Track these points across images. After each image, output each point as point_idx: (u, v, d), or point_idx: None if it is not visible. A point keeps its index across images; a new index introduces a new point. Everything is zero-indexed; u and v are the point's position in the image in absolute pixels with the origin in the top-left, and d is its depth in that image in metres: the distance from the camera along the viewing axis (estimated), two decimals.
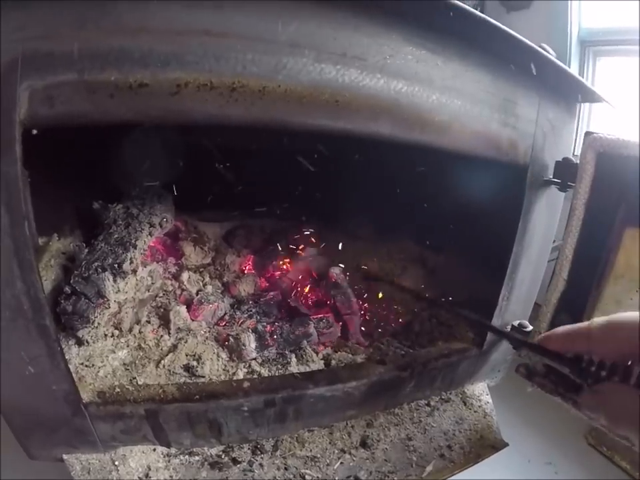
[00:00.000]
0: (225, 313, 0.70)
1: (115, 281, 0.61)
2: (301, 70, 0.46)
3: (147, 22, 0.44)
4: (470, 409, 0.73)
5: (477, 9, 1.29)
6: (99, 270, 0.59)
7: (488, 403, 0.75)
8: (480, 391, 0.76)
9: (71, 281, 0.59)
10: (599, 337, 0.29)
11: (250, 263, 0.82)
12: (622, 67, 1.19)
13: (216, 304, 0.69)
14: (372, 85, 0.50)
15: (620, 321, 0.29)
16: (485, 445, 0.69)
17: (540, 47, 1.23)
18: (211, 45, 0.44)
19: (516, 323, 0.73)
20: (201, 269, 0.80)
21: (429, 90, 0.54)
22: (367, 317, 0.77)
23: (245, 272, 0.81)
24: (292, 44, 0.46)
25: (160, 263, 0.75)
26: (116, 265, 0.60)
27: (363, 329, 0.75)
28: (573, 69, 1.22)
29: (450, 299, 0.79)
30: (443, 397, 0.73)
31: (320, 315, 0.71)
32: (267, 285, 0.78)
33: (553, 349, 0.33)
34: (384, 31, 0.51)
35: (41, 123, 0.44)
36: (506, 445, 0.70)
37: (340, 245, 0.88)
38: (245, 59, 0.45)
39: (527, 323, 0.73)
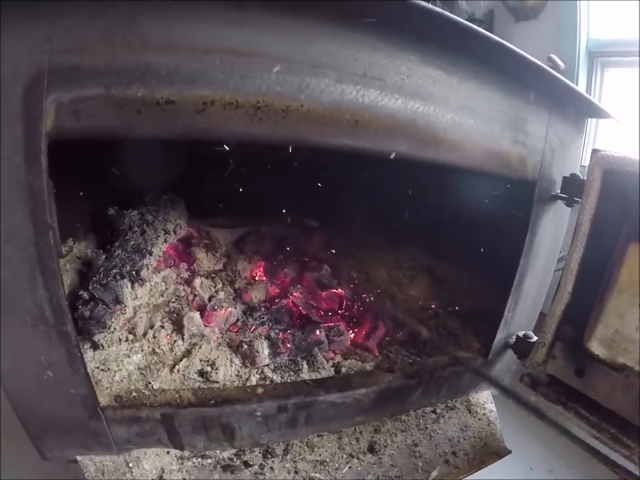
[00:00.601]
0: (238, 319, 0.72)
1: (132, 287, 0.62)
2: (323, 90, 0.48)
3: (173, 39, 0.45)
4: (474, 417, 0.75)
5: (487, 19, 1.31)
6: (117, 277, 0.61)
7: (492, 411, 0.77)
8: (484, 399, 0.78)
9: (89, 287, 0.60)
10: None
11: (261, 269, 0.84)
12: (630, 78, 1.20)
13: (229, 310, 0.71)
14: (390, 105, 0.51)
15: None
16: (488, 451, 0.71)
17: (548, 57, 1.25)
18: (236, 64, 0.45)
19: (521, 334, 0.75)
20: (212, 275, 0.81)
21: (444, 109, 0.56)
22: (375, 324, 0.78)
23: (256, 278, 0.82)
24: (314, 64, 0.47)
25: (173, 269, 0.77)
26: (134, 272, 0.62)
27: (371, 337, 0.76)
28: (581, 80, 1.23)
29: (456, 308, 0.81)
30: (448, 405, 0.75)
31: (331, 323, 0.72)
32: (278, 291, 0.80)
33: None
34: (402, 52, 0.52)
35: (67, 136, 0.45)
36: (509, 452, 0.72)
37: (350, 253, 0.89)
38: (269, 78, 0.46)
39: (531, 333, 0.75)
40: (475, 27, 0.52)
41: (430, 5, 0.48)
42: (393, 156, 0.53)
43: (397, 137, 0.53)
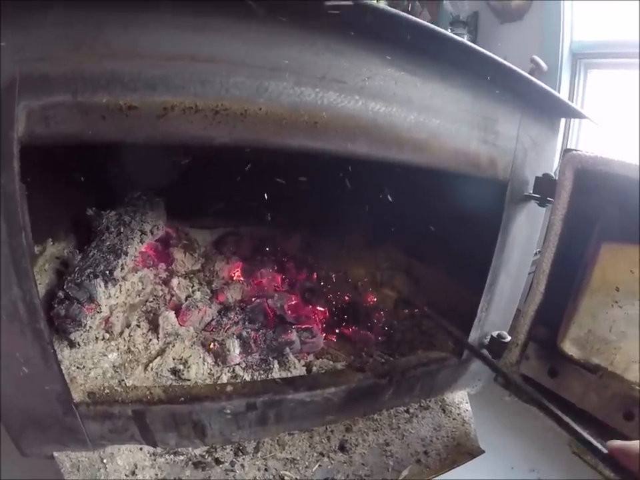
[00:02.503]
0: (212, 319, 0.73)
1: (106, 287, 0.64)
2: (281, 93, 0.49)
3: (137, 47, 0.46)
4: (449, 417, 0.75)
5: (472, 21, 1.32)
6: (91, 276, 0.62)
7: (467, 410, 0.77)
8: (460, 399, 0.78)
9: (64, 287, 0.62)
10: None
11: (238, 270, 0.85)
12: (613, 79, 1.20)
13: (203, 310, 0.72)
14: (350, 106, 0.52)
15: None
16: (461, 451, 0.70)
17: (531, 59, 1.25)
18: (196, 70, 0.47)
19: (495, 334, 0.75)
20: (190, 275, 0.82)
21: (407, 110, 0.57)
22: (349, 324, 0.79)
23: (233, 279, 0.83)
24: (273, 68, 0.49)
25: (151, 269, 0.78)
26: (107, 272, 0.63)
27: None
28: (564, 81, 1.23)
29: (431, 308, 0.81)
30: (422, 405, 0.75)
31: (304, 326, 0.73)
32: (255, 291, 0.81)
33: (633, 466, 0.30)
34: (363, 54, 0.53)
35: (38, 141, 0.47)
36: (482, 452, 0.72)
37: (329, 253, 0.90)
38: (228, 82, 0.47)
39: (505, 333, 0.75)
40: (437, 28, 0.53)
41: (387, 7, 0.49)
42: (354, 156, 0.54)
43: (357, 138, 0.53)
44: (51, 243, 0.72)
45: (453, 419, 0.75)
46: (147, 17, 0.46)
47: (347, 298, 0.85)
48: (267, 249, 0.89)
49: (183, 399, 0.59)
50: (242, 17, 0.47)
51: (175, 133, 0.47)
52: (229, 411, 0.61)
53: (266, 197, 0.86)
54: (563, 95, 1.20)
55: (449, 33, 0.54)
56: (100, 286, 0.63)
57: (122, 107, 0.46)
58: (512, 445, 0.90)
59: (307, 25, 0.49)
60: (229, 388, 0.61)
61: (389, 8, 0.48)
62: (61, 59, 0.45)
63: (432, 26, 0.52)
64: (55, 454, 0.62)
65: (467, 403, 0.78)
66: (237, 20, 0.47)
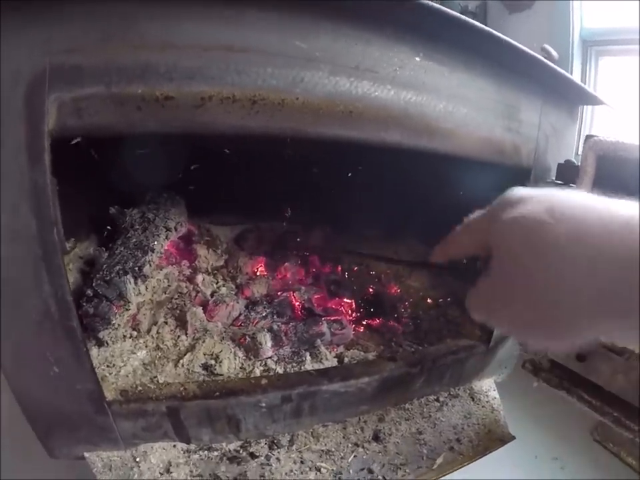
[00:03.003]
0: (240, 314, 0.72)
1: (136, 283, 0.63)
2: (317, 83, 0.49)
3: (171, 37, 0.46)
4: (478, 404, 0.76)
5: (480, 11, 1.32)
6: (121, 273, 0.62)
7: (495, 398, 0.78)
8: (487, 386, 0.79)
9: (93, 284, 0.61)
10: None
11: (262, 264, 0.84)
12: (624, 66, 1.21)
13: (231, 304, 0.72)
14: (383, 95, 0.52)
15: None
16: (492, 438, 0.71)
17: (542, 47, 1.26)
18: (233, 60, 0.46)
19: None
20: (214, 271, 0.82)
21: (436, 99, 0.57)
22: (375, 315, 0.79)
23: (258, 274, 0.83)
24: (309, 58, 0.49)
25: (175, 266, 0.77)
26: (137, 268, 0.63)
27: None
28: (576, 69, 1.24)
29: (455, 299, 0.81)
30: (451, 393, 0.75)
31: (334, 317, 0.73)
32: (280, 286, 0.81)
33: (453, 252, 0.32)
34: (394, 44, 0.53)
35: (70, 134, 0.47)
36: (513, 438, 0.73)
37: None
38: (265, 72, 0.47)
39: None
40: (465, 18, 0.53)
41: None
42: (386, 145, 0.54)
43: (389, 127, 0.54)
44: (74, 242, 0.71)
45: (482, 407, 0.75)
46: (181, 7, 0.46)
47: (371, 290, 0.85)
48: (289, 243, 0.89)
49: (218, 393, 0.59)
50: (276, 6, 0.47)
51: (213, 122, 0.47)
52: (264, 405, 0.60)
53: (285, 192, 0.86)
54: None
55: (474, 21, 0.55)
56: (130, 282, 0.62)
57: (158, 98, 0.46)
58: (535, 434, 0.91)
59: (339, 15, 0.49)
60: (264, 381, 0.61)
61: None
62: (92, 50, 0.45)
63: (458, 14, 0.52)
64: (86, 454, 0.61)
65: (494, 390, 0.79)
66: (272, 10, 0.47)
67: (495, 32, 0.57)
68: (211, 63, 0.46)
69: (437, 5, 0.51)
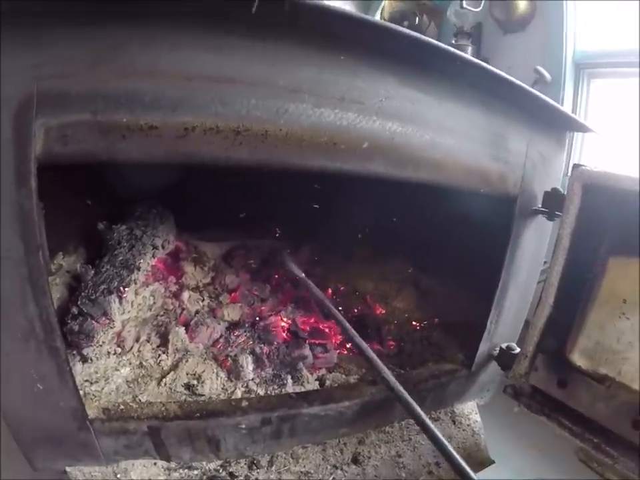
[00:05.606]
0: (221, 336, 0.72)
1: (120, 303, 0.64)
2: (301, 114, 0.49)
3: (158, 66, 0.46)
4: (459, 428, 0.76)
5: (475, 32, 1.33)
6: (105, 292, 0.62)
7: (477, 421, 0.78)
8: (469, 410, 0.79)
9: (78, 302, 0.62)
10: None
11: (247, 284, 0.84)
12: (616, 88, 1.22)
13: (212, 327, 0.72)
14: (368, 126, 0.53)
15: None
16: (472, 462, 0.71)
17: (535, 69, 1.26)
18: (217, 90, 0.47)
19: (504, 346, 0.76)
20: (201, 289, 0.82)
21: (423, 130, 0.57)
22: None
23: (242, 293, 0.83)
24: (294, 89, 0.49)
25: (161, 282, 0.78)
26: (121, 288, 0.63)
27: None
28: (568, 91, 1.25)
29: (439, 320, 0.82)
30: (432, 416, 0.76)
31: (319, 341, 0.73)
32: (265, 306, 0.80)
33: None
34: (381, 75, 0.54)
35: (56, 160, 0.47)
36: (492, 462, 0.73)
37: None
38: (249, 103, 0.48)
39: (514, 345, 0.76)
40: (453, 50, 0.54)
41: (406, 30, 0.50)
42: (371, 176, 0.54)
43: (374, 158, 0.54)
44: (62, 257, 0.72)
45: (463, 430, 0.76)
46: (167, 37, 0.46)
47: (356, 311, 0.85)
48: (276, 261, 0.89)
49: (198, 414, 0.60)
50: (262, 38, 0.47)
51: (196, 153, 0.47)
52: (244, 426, 0.61)
53: (273, 209, 0.86)
54: (567, 104, 1.22)
55: (464, 54, 0.55)
56: (114, 302, 0.62)
57: (142, 127, 0.46)
58: (520, 454, 0.91)
59: (325, 46, 0.50)
60: (244, 403, 0.62)
61: (408, 30, 0.48)
62: (80, 76, 0.45)
63: (446, 47, 0.53)
64: (68, 469, 0.62)
65: (476, 413, 0.79)
66: (257, 41, 0.47)
67: (483, 63, 0.57)
68: (196, 92, 0.47)
69: (425, 38, 0.52)
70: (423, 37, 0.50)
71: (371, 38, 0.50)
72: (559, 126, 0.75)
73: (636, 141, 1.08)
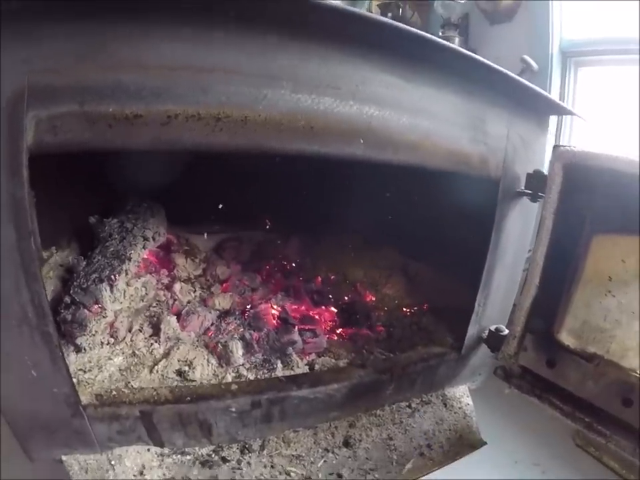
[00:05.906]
0: (212, 324, 0.74)
1: (111, 291, 0.65)
2: (279, 99, 0.51)
3: (141, 58, 0.48)
4: (450, 410, 0.76)
5: (462, 23, 1.35)
6: (97, 281, 0.64)
7: (468, 404, 0.79)
8: (461, 393, 0.80)
9: (71, 292, 0.63)
10: None
11: (238, 274, 0.85)
12: (603, 76, 1.23)
13: (203, 315, 0.73)
14: (345, 110, 0.54)
15: None
16: (464, 444, 0.72)
17: (522, 58, 1.28)
18: (198, 79, 0.49)
19: (493, 328, 0.77)
20: (192, 280, 0.84)
21: (400, 113, 0.59)
22: (350, 323, 0.80)
23: (233, 283, 0.84)
24: (272, 76, 0.51)
25: (153, 275, 0.79)
26: (112, 277, 0.65)
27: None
28: (555, 80, 1.26)
29: (428, 305, 0.82)
30: (423, 399, 0.76)
31: (308, 327, 0.74)
32: (256, 295, 0.82)
33: None
34: (355, 60, 0.55)
35: (46, 150, 0.49)
36: (484, 443, 0.73)
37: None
38: (228, 90, 0.49)
39: (503, 327, 0.77)
40: (427, 35, 0.55)
41: (377, 16, 0.52)
42: (350, 158, 0.56)
43: (353, 141, 0.56)
44: (55, 251, 0.73)
45: (455, 413, 0.76)
46: (150, 30, 0.48)
47: (346, 298, 0.86)
48: (267, 252, 0.90)
49: (189, 398, 0.61)
50: (240, 28, 0.49)
51: (179, 139, 0.49)
52: (234, 409, 0.62)
53: (264, 201, 0.88)
54: (554, 93, 1.23)
55: (436, 38, 0.57)
56: (105, 290, 0.64)
57: (128, 116, 0.48)
58: (515, 439, 0.90)
59: (302, 34, 0.52)
60: (234, 386, 0.63)
61: (379, 17, 0.50)
62: (68, 70, 0.47)
63: (421, 32, 0.54)
64: (63, 457, 0.63)
65: (467, 397, 0.80)
66: (236, 31, 0.49)
67: (458, 47, 0.59)
68: (178, 81, 0.49)
69: (400, 24, 0.53)
70: (394, 22, 0.52)
71: (344, 26, 0.52)
72: (540, 109, 0.76)
73: (623, 127, 1.09)
